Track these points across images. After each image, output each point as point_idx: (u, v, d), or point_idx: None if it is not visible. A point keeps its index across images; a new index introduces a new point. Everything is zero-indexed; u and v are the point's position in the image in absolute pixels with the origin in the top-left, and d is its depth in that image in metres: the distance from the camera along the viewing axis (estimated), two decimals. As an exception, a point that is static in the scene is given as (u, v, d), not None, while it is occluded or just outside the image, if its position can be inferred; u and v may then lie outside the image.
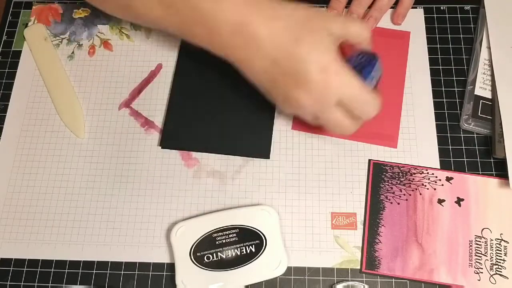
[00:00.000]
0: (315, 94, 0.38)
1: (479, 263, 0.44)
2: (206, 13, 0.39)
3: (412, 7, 0.54)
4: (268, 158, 0.48)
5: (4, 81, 0.52)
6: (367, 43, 0.42)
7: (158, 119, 0.50)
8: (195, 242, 0.44)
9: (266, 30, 0.38)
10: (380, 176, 0.47)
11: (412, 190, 0.46)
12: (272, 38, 0.38)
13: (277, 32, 0.38)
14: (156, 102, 0.51)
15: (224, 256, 0.43)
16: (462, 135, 0.49)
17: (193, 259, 0.43)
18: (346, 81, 0.38)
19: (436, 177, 0.47)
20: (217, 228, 0.44)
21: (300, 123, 0.49)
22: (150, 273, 0.45)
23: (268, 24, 0.38)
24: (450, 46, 0.52)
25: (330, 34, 0.38)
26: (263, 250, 0.43)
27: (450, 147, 0.48)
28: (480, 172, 0.47)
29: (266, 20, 0.38)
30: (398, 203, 0.46)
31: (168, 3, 0.40)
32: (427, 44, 0.52)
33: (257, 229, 0.44)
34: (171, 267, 0.45)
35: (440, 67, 0.51)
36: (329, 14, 0.41)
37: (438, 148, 0.48)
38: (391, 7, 0.54)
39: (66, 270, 0.45)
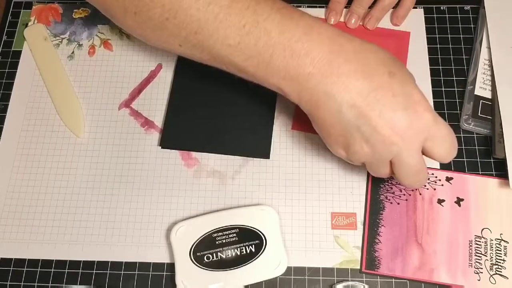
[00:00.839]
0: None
1: (479, 263, 0.44)
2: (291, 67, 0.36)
3: (413, 7, 0.54)
4: (268, 158, 0.48)
5: (4, 81, 0.52)
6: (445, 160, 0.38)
7: (158, 119, 0.50)
8: (195, 242, 0.44)
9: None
10: (380, 176, 0.47)
11: (412, 190, 0.46)
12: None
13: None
14: (156, 102, 0.51)
15: (224, 256, 0.43)
16: (462, 135, 0.49)
17: (193, 259, 0.43)
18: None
19: (436, 177, 0.47)
20: (217, 228, 0.44)
21: (300, 123, 0.49)
22: (150, 273, 0.45)
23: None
24: (450, 46, 0.52)
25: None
26: (263, 250, 0.43)
27: (450, 147, 0.48)
28: (480, 172, 0.47)
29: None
30: (398, 203, 0.46)
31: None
32: (427, 44, 0.52)
33: (257, 229, 0.44)
34: (171, 267, 0.45)
35: (440, 67, 0.51)
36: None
37: (438, 148, 0.48)
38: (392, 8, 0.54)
39: (66, 270, 0.45)
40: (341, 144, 0.38)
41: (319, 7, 0.54)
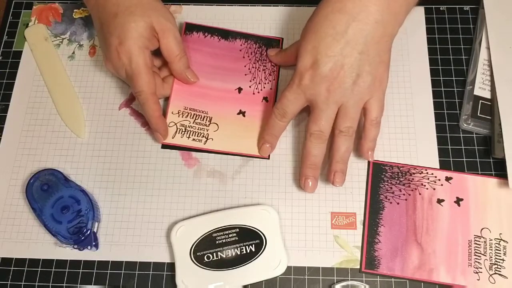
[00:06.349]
0: None
1: (479, 262, 0.44)
2: None
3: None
4: (268, 158, 0.48)
5: (5, 81, 0.53)
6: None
7: (159, 119, 0.50)
8: (195, 241, 0.44)
9: None
10: (379, 176, 0.47)
11: (412, 190, 0.47)
12: None
13: None
14: (156, 102, 0.51)
15: (224, 256, 0.43)
16: (461, 135, 0.49)
17: (193, 259, 0.43)
18: None
19: (436, 177, 0.47)
20: (217, 228, 0.44)
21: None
22: (151, 272, 0.45)
23: None
24: (450, 46, 0.53)
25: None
26: (263, 250, 0.44)
27: (449, 147, 0.48)
28: (480, 172, 0.47)
29: None
30: (398, 203, 0.46)
31: None
32: (427, 44, 0.53)
33: (257, 229, 0.44)
34: (171, 266, 0.45)
35: (440, 67, 0.52)
36: None
37: (438, 148, 0.48)
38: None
39: (67, 270, 0.45)
40: None
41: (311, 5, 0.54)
